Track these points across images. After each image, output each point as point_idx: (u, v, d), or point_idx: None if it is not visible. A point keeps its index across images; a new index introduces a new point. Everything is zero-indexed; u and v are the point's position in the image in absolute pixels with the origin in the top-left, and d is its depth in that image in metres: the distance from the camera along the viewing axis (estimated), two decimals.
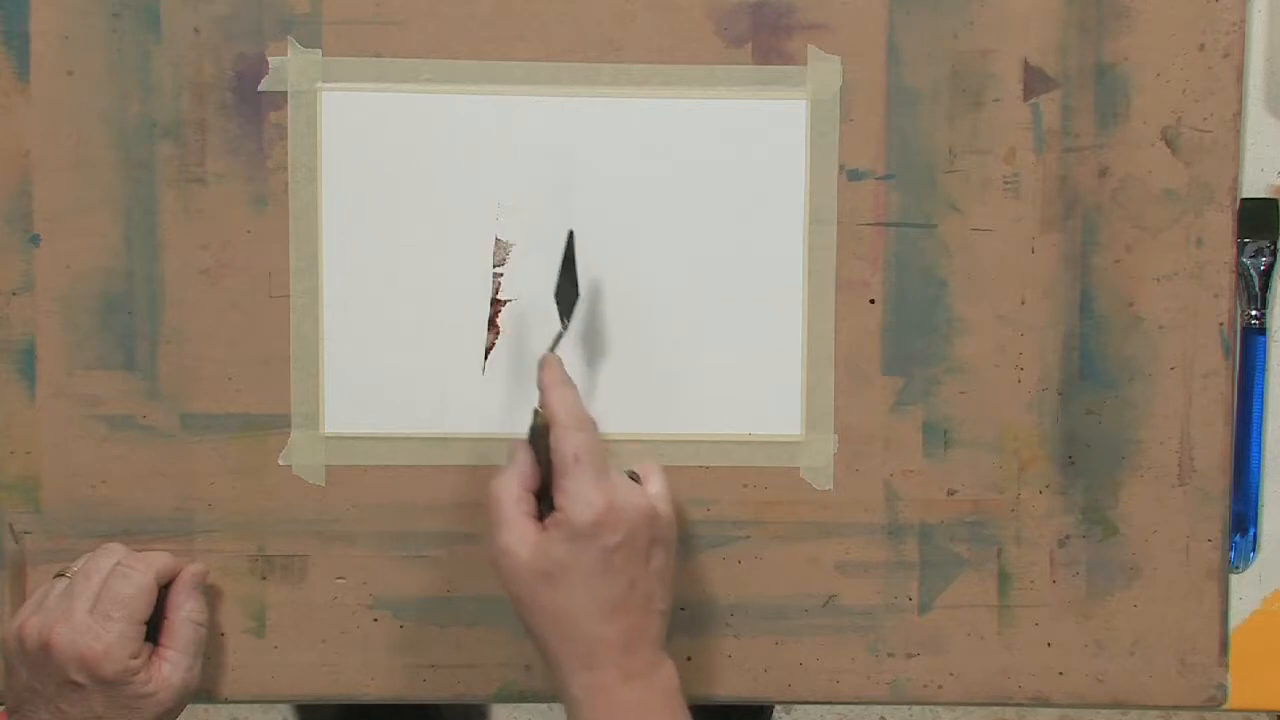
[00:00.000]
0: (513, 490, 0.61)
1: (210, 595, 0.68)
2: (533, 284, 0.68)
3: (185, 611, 0.65)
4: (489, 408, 0.69)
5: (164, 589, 0.65)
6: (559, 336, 0.65)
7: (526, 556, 0.59)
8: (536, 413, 0.62)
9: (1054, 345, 0.70)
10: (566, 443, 0.60)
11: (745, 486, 0.70)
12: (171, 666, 0.63)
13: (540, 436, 0.61)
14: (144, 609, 0.63)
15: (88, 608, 0.62)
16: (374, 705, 0.71)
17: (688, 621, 0.71)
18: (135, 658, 0.62)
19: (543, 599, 0.59)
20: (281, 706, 1.46)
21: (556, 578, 0.59)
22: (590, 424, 0.61)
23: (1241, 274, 0.71)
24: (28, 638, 0.62)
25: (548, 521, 0.60)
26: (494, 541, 0.60)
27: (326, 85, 0.68)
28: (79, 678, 0.60)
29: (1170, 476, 0.71)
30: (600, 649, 0.59)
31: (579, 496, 0.59)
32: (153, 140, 0.68)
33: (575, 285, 0.66)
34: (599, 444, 0.61)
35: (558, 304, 0.66)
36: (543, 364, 0.63)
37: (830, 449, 0.70)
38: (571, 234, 0.66)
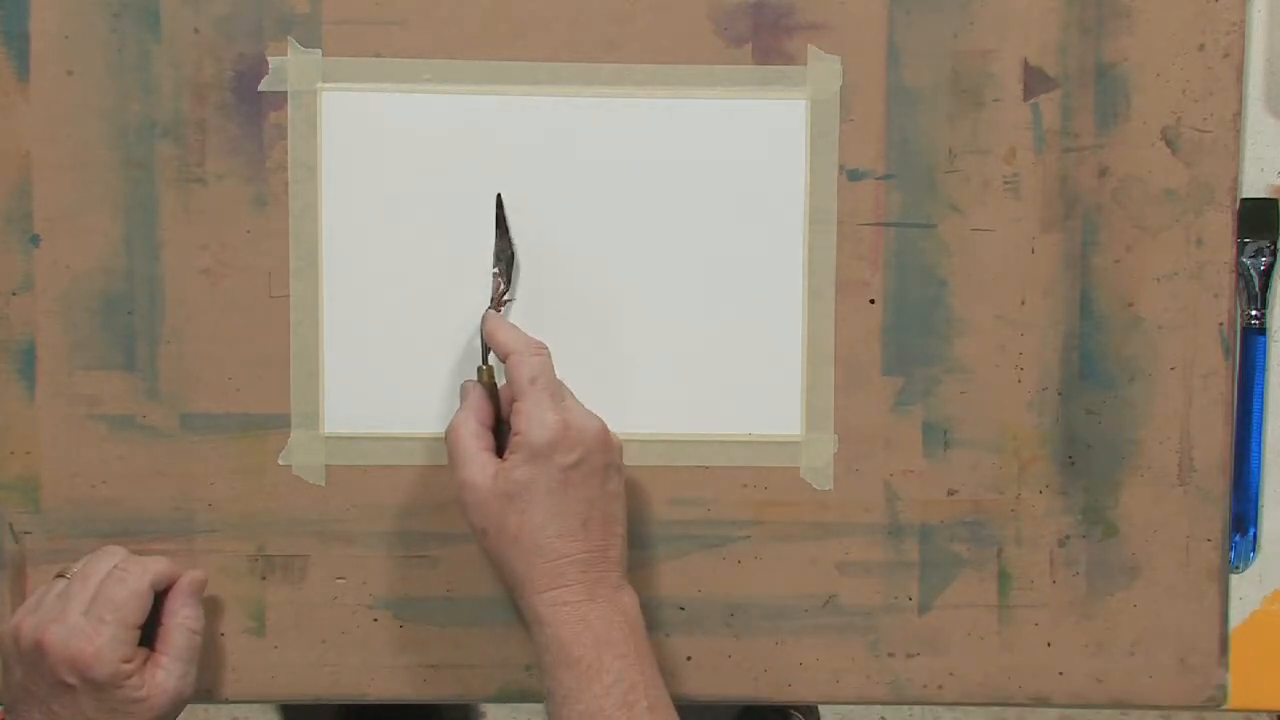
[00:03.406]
0: (470, 426, 0.63)
1: (209, 604, 0.68)
2: (533, 284, 0.68)
3: (180, 618, 0.65)
4: None
5: (163, 594, 0.65)
6: (501, 295, 0.67)
7: (489, 484, 0.61)
8: (481, 369, 0.65)
9: (1054, 345, 0.70)
10: (522, 368, 0.62)
11: (745, 486, 0.70)
12: (165, 673, 0.63)
13: (489, 390, 0.65)
14: (137, 613, 0.63)
15: (82, 609, 0.62)
16: (374, 705, 0.71)
17: (688, 621, 0.71)
18: (127, 661, 0.61)
19: (509, 522, 0.61)
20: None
21: (518, 498, 0.60)
22: (544, 350, 0.64)
23: (1241, 274, 0.71)
24: (23, 637, 0.62)
25: (508, 448, 0.62)
26: (455, 477, 0.62)
27: (326, 85, 0.68)
28: (70, 679, 0.60)
29: (1170, 476, 0.71)
30: (565, 567, 0.61)
31: (536, 418, 0.61)
32: (153, 140, 0.68)
33: (511, 248, 0.68)
34: (552, 370, 0.63)
35: (495, 264, 0.68)
36: (485, 319, 0.66)
37: (830, 449, 0.70)
38: (500, 197, 0.68)
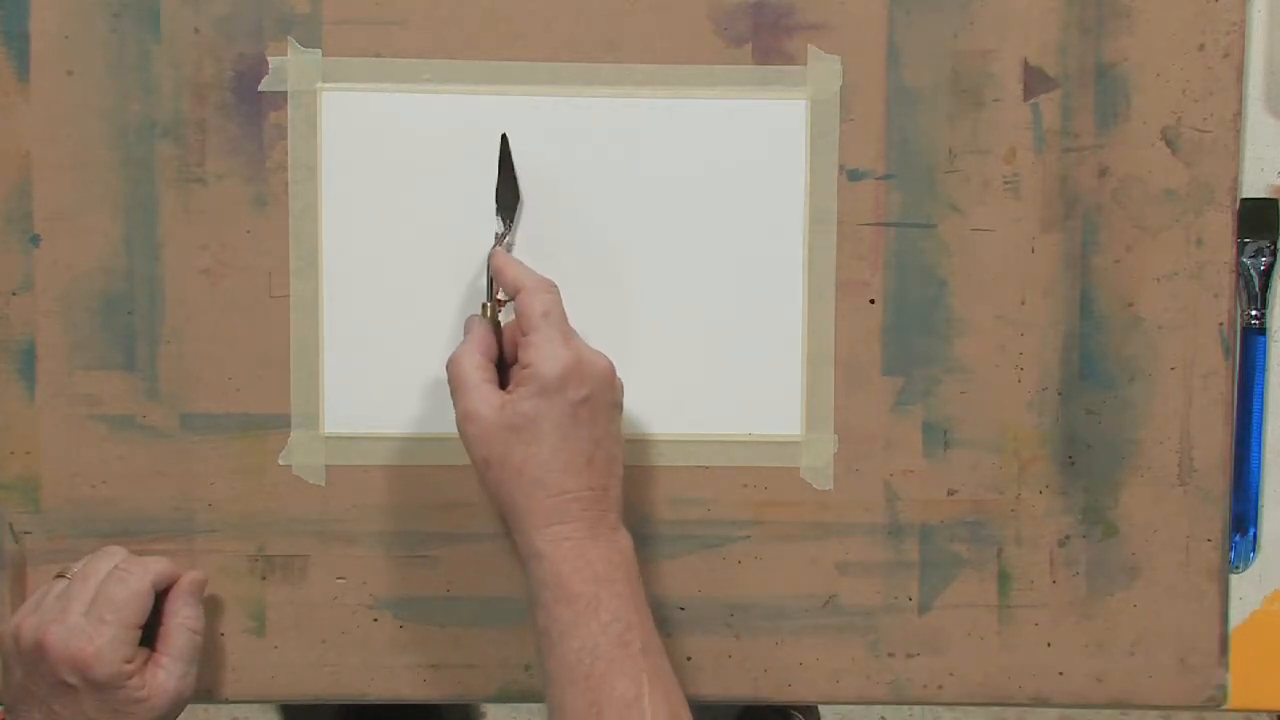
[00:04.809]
0: (474, 358, 0.62)
1: (209, 604, 0.68)
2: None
3: (181, 618, 0.65)
4: None
5: (163, 595, 0.65)
6: (501, 236, 0.67)
7: (494, 416, 0.60)
8: (485, 305, 0.65)
9: (1054, 345, 0.70)
10: (534, 303, 0.61)
11: (745, 486, 0.70)
12: (166, 673, 0.63)
13: (492, 325, 0.64)
14: (138, 614, 0.63)
15: (83, 610, 0.62)
16: (374, 705, 0.71)
17: (688, 621, 0.71)
18: (128, 662, 0.61)
19: (513, 454, 0.60)
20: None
21: (525, 430, 0.60)
22: (554, 288, 0.63)
23: (1241, 274, 0.71)
24: (23, 637, 0.62)
25: (514, 381, 0.61)
26: (458, 407, 0.61)
27: (326, 85, 0.68)
28: (71, 679, 0.60)
29: (1170, 476, 0.71)
30: (569, 503, 0.60)
31: (548, 351, 0.60)
32: (153, 140, 0.68)
33: (515, 187, 0.68)
34: (563, 307, 0.62)
35: (498, 206, 0.67)
36: (491, 255, 0.65)
37: (830, 449, 0.70)
38: (505, 137, 0.68)
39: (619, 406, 0.63)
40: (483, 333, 0.64)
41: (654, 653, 0.60)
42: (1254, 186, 0.71)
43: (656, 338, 0.70)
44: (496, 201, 0.67)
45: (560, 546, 0.59)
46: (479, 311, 0.65)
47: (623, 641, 0.58)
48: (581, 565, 0.59)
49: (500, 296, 0.65)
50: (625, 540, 0.62)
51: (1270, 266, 0.71)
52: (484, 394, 0.61)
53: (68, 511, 0.69)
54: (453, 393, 0.61)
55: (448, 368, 0.62)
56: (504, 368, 0.64)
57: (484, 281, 0.66)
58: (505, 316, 0.65)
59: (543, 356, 0.60)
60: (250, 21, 0.68)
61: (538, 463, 0.59)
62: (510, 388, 0.61)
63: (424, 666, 0.71)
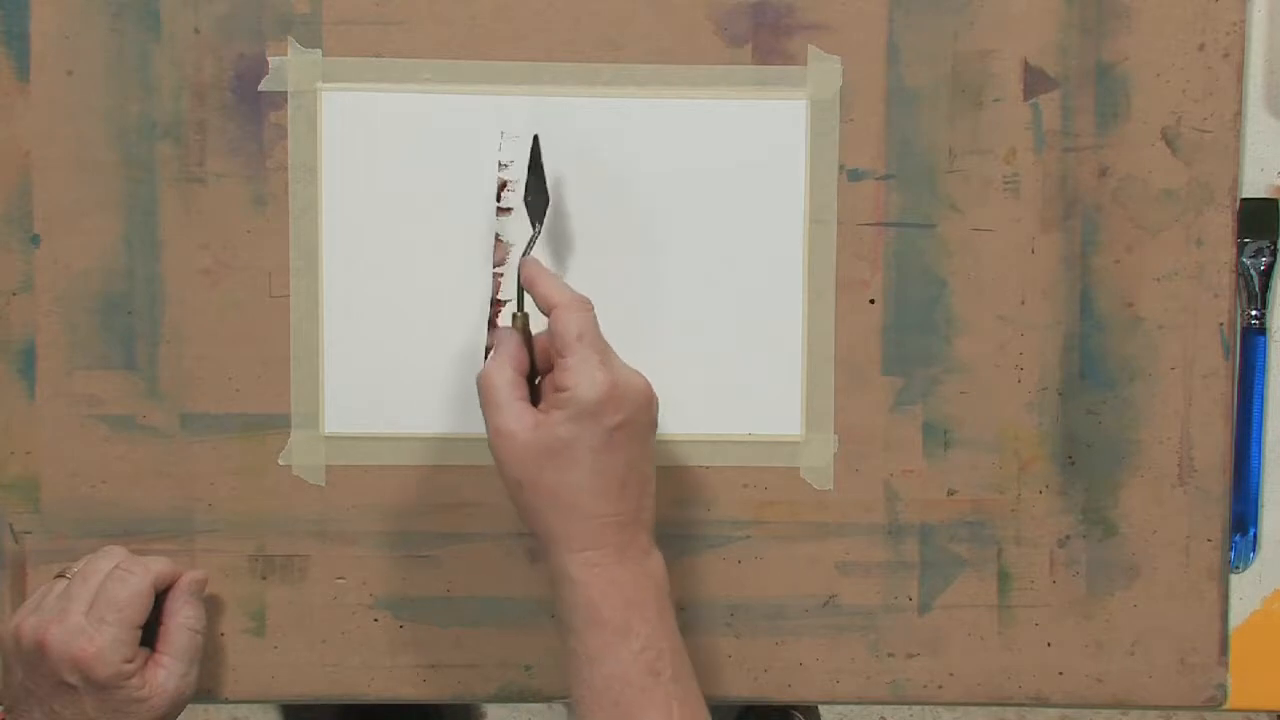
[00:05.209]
0: (506, 374, 0.60)
1: (209, 604, 0.68)
2: None
3: (182, 618, 0.65)
4: None
5: (163, 594, 0.65)
6: (532, 240, 0.65)
7: (527, 436, 0.59)
8: (515, 315, 0.63)
9: (1054, 345, 0.70)
10: (569, 323, 0.60)
11: (745, 486, 0.70)
12: (166, 673, 0.63)
13: (524, 337, 0.62)
14: (139, 613, 0.63)
15: (83, 609, 0.62)
16: (374, 705, 0.71)
17: (688, 621, 0.71)
18: (129, 662, 0.61)
19: (546, 478, 0.59)
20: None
21: (560, 455, 0.58)
22: (589, 305, 0.61)
23: (1241, 274, 0.71)
24: (24, 637, 0.62)
25: (548, 402, 0.60)
26: (490, 424, 0.60)
27: (326, 85, 0.68)
28: (72, 679, 0.60)
29: (1170, 476, 0.71)
30: (601, 528, 0.59)
31: (585, 375, 0.59)
32: (153, 140, 0.68)
33: (545, 189, 0.66)
34: (598, 325, 0.61)
35: (528, 209, 0.66)
36: (522, 265, 0.63)
37: (830, 449, 0.70)
38: (537, 138, 0.66)
39: (654, 425, 0.62)
40: (514, 347, 0.62)
41: (684, 678, 0.59)
42: (1254, 186, 0.71)
43: (656, 338, 0.70)
44: (527, 205, 0.65)
45: (591, 572, 0.59)
46: (508, 322, 0.63)
47: (653, 670, 0.58)
48: (612, 591, 0.59)
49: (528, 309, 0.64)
50: (657, 562, 0.61)
51: (1270, 266, 0.71)
52: (516, 412, 0.59)
53: (68, 511, 0.69)
54: (484, 408, 0.60)
55: (478, 383, 0.61)
56: (534, 375, 0.63)
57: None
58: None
59: (579, 381, 0.58)
60: (250, 21, 0.68)
61: (572, 488, 0.59)
62: (544, 407, 0.60)
63: (424, 666, 0.71)
